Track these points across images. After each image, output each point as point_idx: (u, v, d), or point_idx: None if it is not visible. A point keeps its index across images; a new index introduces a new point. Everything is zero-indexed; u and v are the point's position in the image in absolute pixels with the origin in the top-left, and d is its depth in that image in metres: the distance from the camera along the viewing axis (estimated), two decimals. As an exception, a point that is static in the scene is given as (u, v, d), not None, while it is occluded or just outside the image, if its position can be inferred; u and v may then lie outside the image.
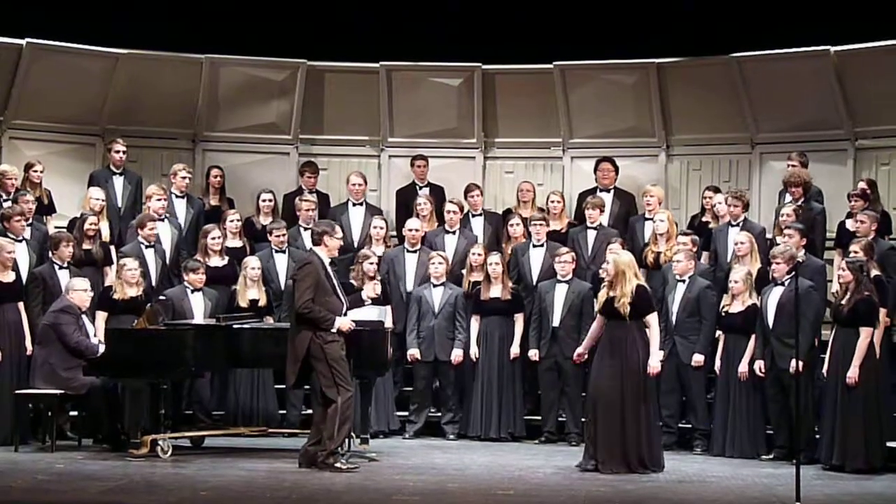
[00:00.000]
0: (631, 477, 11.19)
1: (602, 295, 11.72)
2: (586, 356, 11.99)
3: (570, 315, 13.23)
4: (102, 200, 14.03)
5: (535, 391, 13.75)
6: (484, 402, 13.50)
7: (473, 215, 14.76)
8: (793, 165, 14.11)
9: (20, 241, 13.09)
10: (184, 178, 14.56)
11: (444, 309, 13.63)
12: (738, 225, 13.57)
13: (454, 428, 13.66)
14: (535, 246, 13.92)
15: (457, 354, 13.60)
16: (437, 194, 15.07)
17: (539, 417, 13.58)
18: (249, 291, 13.43)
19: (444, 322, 13.62)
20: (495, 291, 13.55)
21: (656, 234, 13.84)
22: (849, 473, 11.57)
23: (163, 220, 14.06)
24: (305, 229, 14.35)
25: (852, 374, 11.67)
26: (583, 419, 12.37)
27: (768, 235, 13.76)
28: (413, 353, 13.61)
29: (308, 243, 14.13)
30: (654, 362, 11.55)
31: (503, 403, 13.48)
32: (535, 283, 13.72)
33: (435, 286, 13.71)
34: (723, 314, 12.76)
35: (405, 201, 15.11)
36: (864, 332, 11.73)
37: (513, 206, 14.99)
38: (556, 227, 14.32)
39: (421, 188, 15.23)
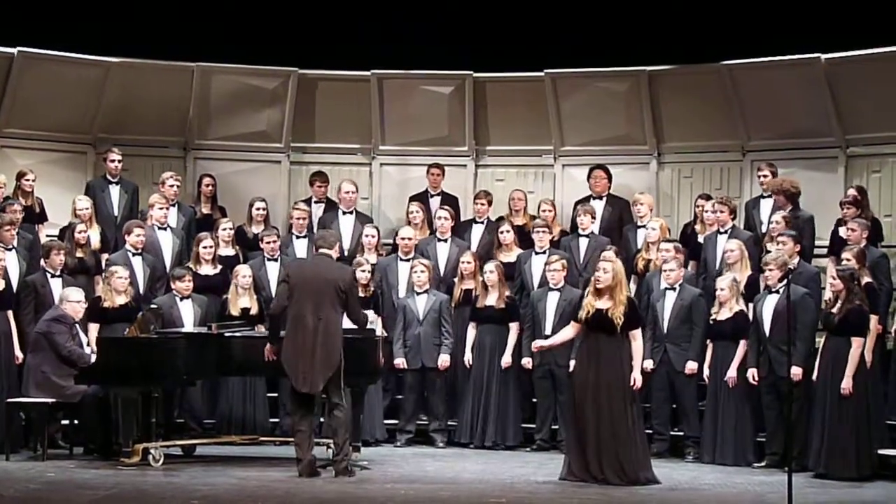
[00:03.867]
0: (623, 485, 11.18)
1: (588, 304, 11.39)
2: (545, 348, 12.18)
3: (561, 323, 13.05)
4: (88, 209, 14.00)
5: (529, 399, 13.74)
6: (479, 409, 13.48)
7: (476, 222, 14.75)
8: (764, 175, 14.17)
9: (10, 249, 13.08)
10: (172, 185, 14.53)
11: (429, 316, 13.60)
12: (726, 232, 13.56)
13: (443, 436, 13.66)
14: (537, 253, 13.87)
15: (443, 360, 13.59)
16: (450, 203, 14.94)
17: (532, 426, 13.56)
18: (241, 300, 13.42)
19: (429, 329, 13.60)
20: (490, 299, 13.54)
21: (648, 241, 13.84)
22: (840, 481, 11.56)
23: (165, 228, 14.06)
24: (298, 237, 14.34)
25: (846, 384, 11.65)
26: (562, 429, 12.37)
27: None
28: (399, 361, 13.60)
29: (300, 251, 14.20)
30: (638, 377, 11.34)
31: (496, 411, 13.47)
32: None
33: (418, 294, 13.68)
34: (712, 322, 12.76)
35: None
36: (856, 341, 11.72)
37: (505, 214, 14.97)
38: (548, 236, 14.32)
39: (433, 196, 15.22)
